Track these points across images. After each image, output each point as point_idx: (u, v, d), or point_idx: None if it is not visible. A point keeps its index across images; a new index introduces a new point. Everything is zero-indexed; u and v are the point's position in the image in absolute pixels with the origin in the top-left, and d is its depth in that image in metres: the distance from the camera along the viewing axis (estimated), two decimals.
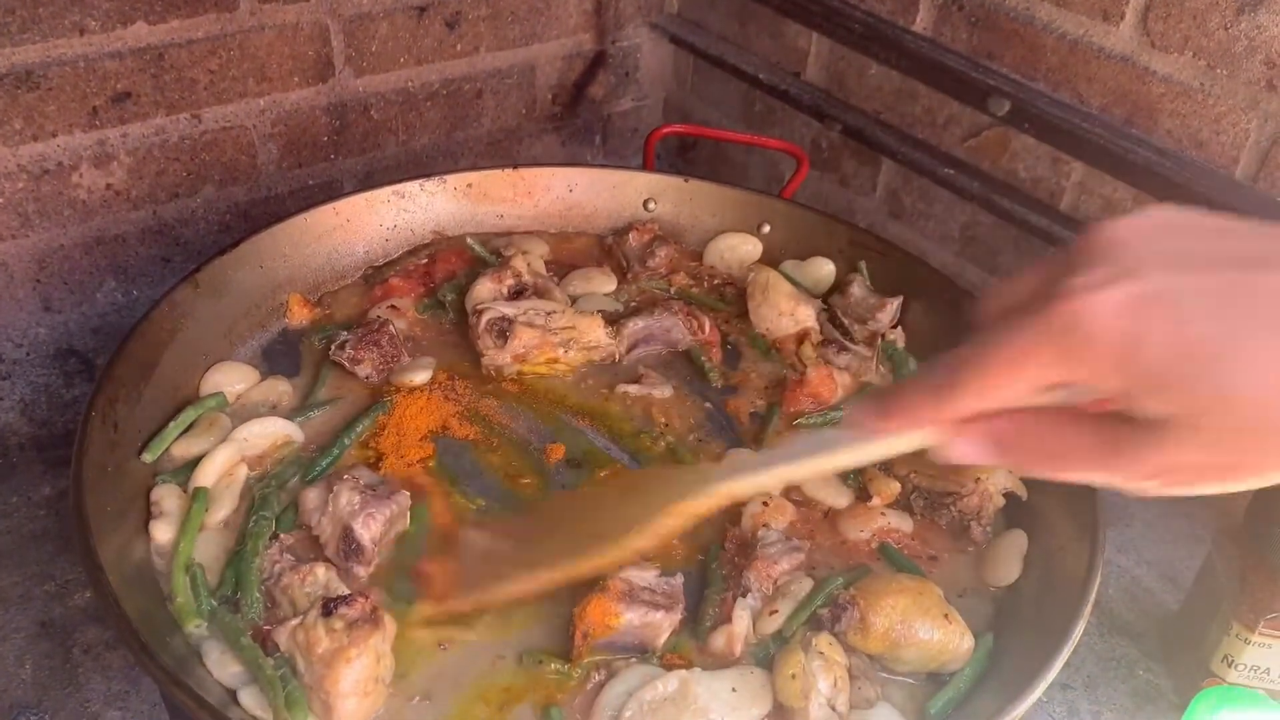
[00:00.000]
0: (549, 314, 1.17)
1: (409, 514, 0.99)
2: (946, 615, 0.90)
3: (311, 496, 0.96)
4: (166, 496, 0.98)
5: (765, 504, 1.02)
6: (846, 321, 1.24)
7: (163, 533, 0.96)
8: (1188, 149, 1.24)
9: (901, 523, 1.04)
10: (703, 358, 1.21)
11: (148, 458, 1.02)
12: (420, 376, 1.15)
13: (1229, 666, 1.07)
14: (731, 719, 0.85)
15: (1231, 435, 0.53)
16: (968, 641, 0.90)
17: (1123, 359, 0.53)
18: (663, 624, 0.89)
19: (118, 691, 1.08)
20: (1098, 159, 1.29)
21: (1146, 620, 1.22)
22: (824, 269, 1.33)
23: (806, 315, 1.25)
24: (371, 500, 0.94)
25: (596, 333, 1.18)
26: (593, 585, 0.90)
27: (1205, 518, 1.31)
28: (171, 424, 1.05)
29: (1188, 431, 0.53)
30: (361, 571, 0.93)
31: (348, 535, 0.93)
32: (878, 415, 0.64)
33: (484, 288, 1.20)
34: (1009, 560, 1.01)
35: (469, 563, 0.95)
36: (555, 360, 1.17)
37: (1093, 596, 0.88)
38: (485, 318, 1.15)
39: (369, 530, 0.93)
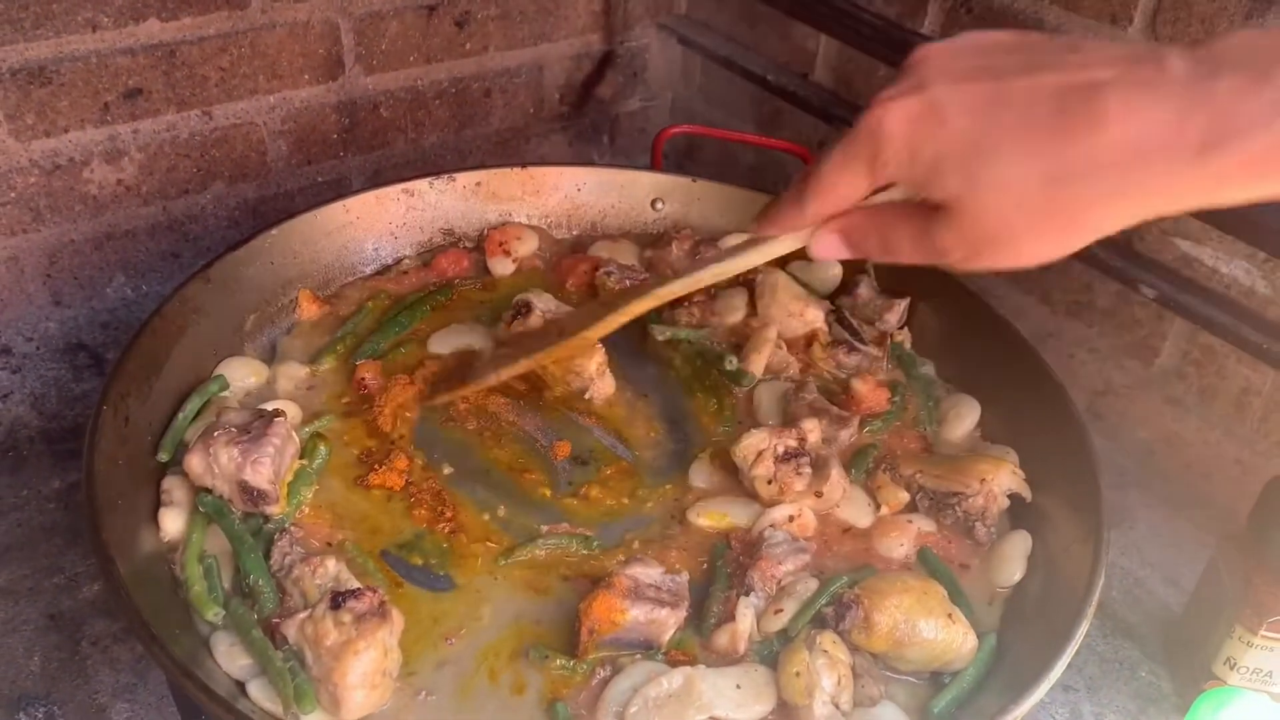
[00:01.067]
0: None
1: (293, 431, 1.01)
2: (950, 615, 0.90)
3: (195, 463, 0.96)
4: (176, 487, 0.99)
5: (792, 518, 1.02)
6: (855, 322, 1.25)
7: (173, 522, 0.97)
8: None
9: (926, 525, 1.05)
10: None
11: (163, 457, 1.03)
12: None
13: (1231, 669, 1.07)
14: (736, 715, 0.85)
15: (981, 219, 0.64)
16: (971, 641, 0.91)
17: (908, 157, 0.64)
18: (668, 621, 0.90)
19: (126, 684, 1.09)
20: None
21: (1149, 622, 1.23)
22: (831, 270, 1.33)
23: (815, 316, 1.26)
24: (249, 444, 0.95)
25: (590, 363, 1.15)
26: (598, 582, 0.91)
27: (1209, 521, 1.31)
28: (179, 415, 1.06)
29: (954, 215, 0.65)
30: (274, 509, 0.96)
31: (245, 489, 0.95)
32: (760, 223, 0.78)
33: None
34: (1013, 561, 1.01)
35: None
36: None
37: (1096, 598, 0.89)
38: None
39: (261, 474, 0.94)
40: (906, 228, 0.70)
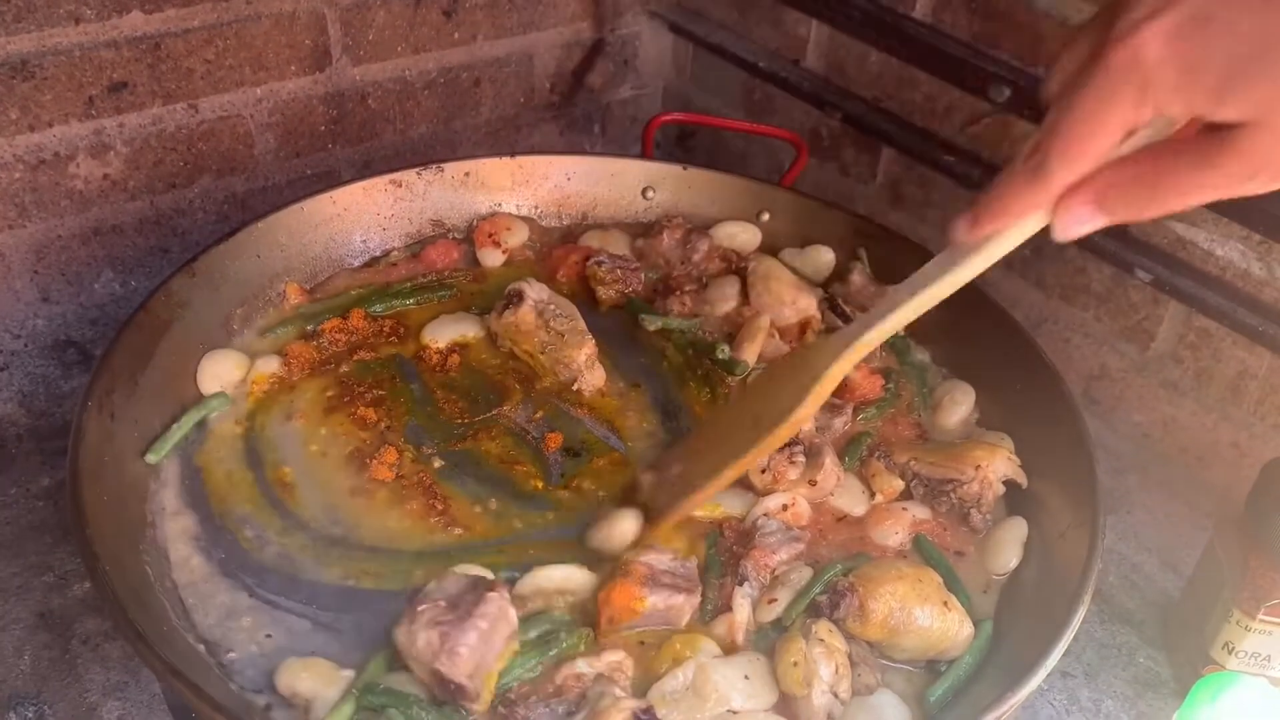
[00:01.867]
0: (559, 316, 1.17)
1: (509, 606, 0.84)
2: (946, 603, 0.90)
3: (401, 639, 0.82)
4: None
5: (785, 507, 1.02)
6: (849, 309, 1.24)
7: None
8: None
9: (921, 512, 1.04)
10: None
11: (151, 459, 1.02)
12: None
13: (1229, 653, 1.07)
14: (750, 706, 0.85)
15: None
16: (967, 629, 0.90)
17: (1186, 79, 0.55)
18: (684, 606, 0.90)
19: (116, 682, 1.08)
20: None
21: (1147, 608, 1.22)
22: (824, 257, 1.32)
23: (808, 304, 1.25)
24: (451, 628, 0.80)
25: (579, 354, 1.15)
26: (614, 571, 0.91)
27: (1206, 505, 1.31)
28: (175, 426, 1.05)
29: (1260, 129, 0.56)
30: (476, 707, 0.81)
31: (441, 681, 0.80)
32: (975, 223, 0.67)
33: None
34: (1009, 548, 1.00)
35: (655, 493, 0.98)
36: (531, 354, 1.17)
37: (1092, 583, 0.88)
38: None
39: (458, 667, 0.79)
40: (1182, 164, 0.60)
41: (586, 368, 1.13)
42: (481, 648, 0.80)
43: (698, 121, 1.70)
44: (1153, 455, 1.38)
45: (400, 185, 1.33)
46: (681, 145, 1.94)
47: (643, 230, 1.38)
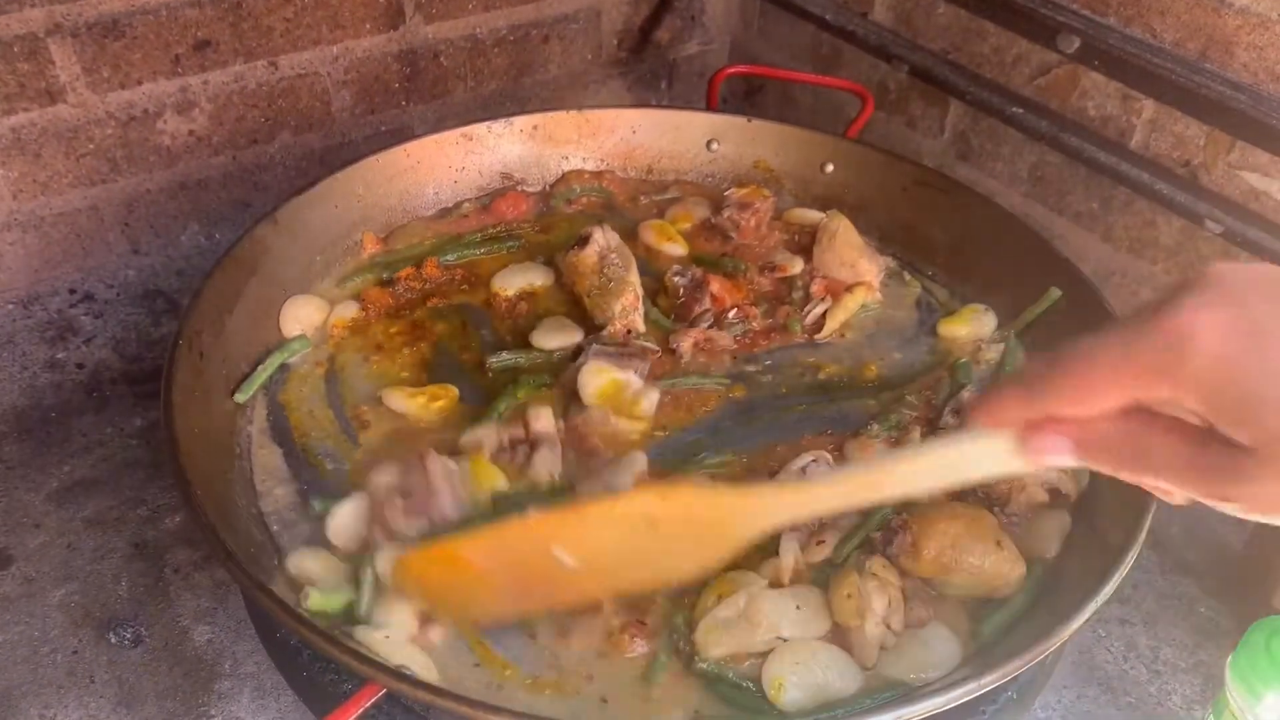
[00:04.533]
0: (616, 265, 1.19)
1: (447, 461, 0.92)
2: (999, 542, 0.91)
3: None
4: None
5: None
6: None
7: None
8: (1265, 83, 1.21)
9: None
10: None
11: (240, 398, 1.08)
12: None
13: None
14: (800, 634, 0.88)
15: None
16: (1019, 569, 0.92)
17: (1219, 381, 0.52)
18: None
19: (206, 608, 1.14)
20: (1169, 95, 1.27)
21: (1209, 559, 1.22)
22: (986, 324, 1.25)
23: (867, 270, 1.26)
24: (417, 505, 0.89)
25: (616, 303, 1.16)
26: None
27: None
28: (260, 367, 1.11)
29: (1272, 463, 0.52)
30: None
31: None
32: (974, 412, 0.64)
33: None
34: (1049, 539, 1.00)
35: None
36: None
37: (1148, 522, 0.88)
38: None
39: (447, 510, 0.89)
40: (1179, 452, 0.56)
41: (619, 316, 1.16)
42: (453, 495, 0.89)
43: (761, 74, 1.70)
44: None
45: (471, 139, 1.36)
46: (749, 101, 1.94)
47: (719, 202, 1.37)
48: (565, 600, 0.84)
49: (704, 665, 0.86)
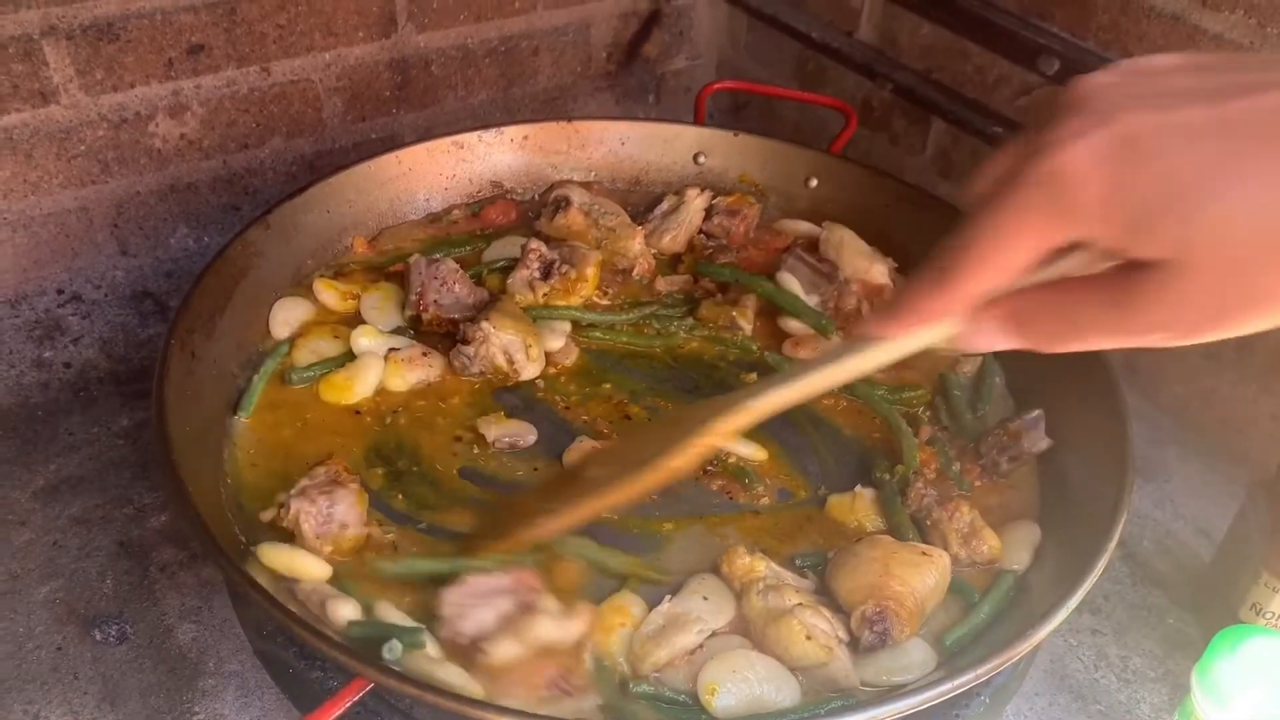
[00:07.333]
0: (606, 214, 1.23)
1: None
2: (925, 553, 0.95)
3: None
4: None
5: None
6: None
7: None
8: None
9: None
10: None
11: (243, 416, 1.09)
12: None
13: (1257, 614, 1.09)
14: (716, 623, 0.92)
15: (1228, 269, 0.51)
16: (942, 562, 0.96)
17: (1107, 205, 0.52)
18: None
19: (191, 607, 1.15)
20: None
21: (1179, 572, 1.24)
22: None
23: (880, 272, 1.28)
24: (327, 507, 0.94)
25: (633, 244, 1.22)
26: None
27: (1243, 475, 1.32)
28: (255, 378, 1.12)
29: (1185, 271, 0.51)
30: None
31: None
32: (886, 322, 0.64)
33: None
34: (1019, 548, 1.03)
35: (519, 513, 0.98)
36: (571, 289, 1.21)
37: (1119, 532, 0.90)
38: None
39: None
40: (1098, 300, 0.56)
41: (642, 255, 1.19)
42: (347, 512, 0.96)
43: (748, 89, 1.73)
44: (1191, 425, 1.39)
45: (462, 147, 1.38)
46: (735, 116, 1.97)
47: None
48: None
49: (639, 688, 0.87)
